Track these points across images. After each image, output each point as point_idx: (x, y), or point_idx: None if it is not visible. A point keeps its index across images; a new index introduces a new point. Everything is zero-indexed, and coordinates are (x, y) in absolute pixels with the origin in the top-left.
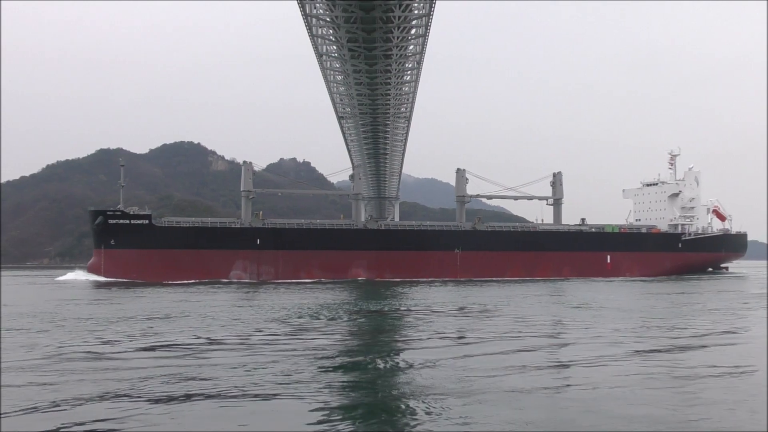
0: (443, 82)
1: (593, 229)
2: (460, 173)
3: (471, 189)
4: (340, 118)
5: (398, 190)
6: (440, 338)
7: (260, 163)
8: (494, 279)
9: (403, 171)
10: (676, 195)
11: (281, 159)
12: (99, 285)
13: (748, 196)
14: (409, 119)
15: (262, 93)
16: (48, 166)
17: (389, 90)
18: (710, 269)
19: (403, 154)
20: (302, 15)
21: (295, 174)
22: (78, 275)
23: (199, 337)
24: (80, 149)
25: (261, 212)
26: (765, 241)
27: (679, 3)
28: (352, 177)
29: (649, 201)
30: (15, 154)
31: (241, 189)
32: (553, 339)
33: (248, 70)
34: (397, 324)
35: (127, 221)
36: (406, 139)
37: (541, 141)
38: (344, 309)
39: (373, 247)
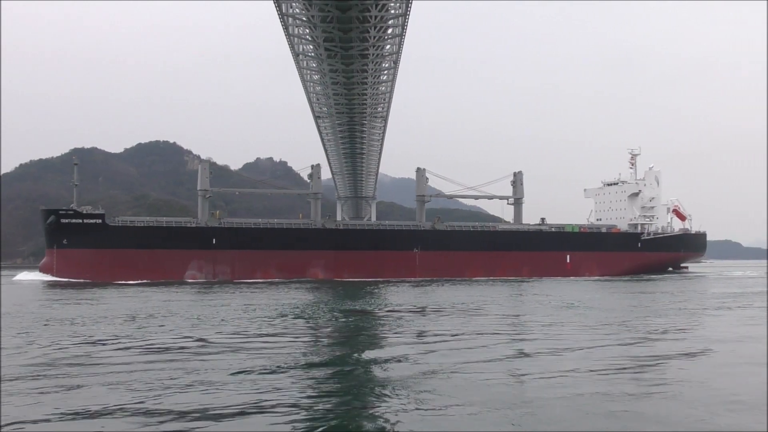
0: (417, 82)
1: (553, 229)
2: (420, 172)
3: (445, 188)
4: (316, 118)
5: (375, 189)
6: (437, 341)
7: (237, 163)
8: (454, 279)
9: (380, 171)
10: (636, 194)
11: (258, 158)
12: (49, 285)
13: (712, 196)
14: (385, 119)
15: (239, 92)
16: (21, 165)
17: (366, 90)
18: (670, 269)
19: (380, 154)
20: (278, 14)
21: (272, 173)
22: (30, 275)
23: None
24: (54, 148)
25: (218, 211)
26: (717, 240)
27: (645, 3)
28: (311, 176)
29: (609, 201)
30: None
31: (198, 188)
32: (556, 341)
33: (224, 69)
34: (384, 325)
35: (80, 221)
36: (382, 139)
37: (508, 141)
38: (312, 310)
39: (331, 247)
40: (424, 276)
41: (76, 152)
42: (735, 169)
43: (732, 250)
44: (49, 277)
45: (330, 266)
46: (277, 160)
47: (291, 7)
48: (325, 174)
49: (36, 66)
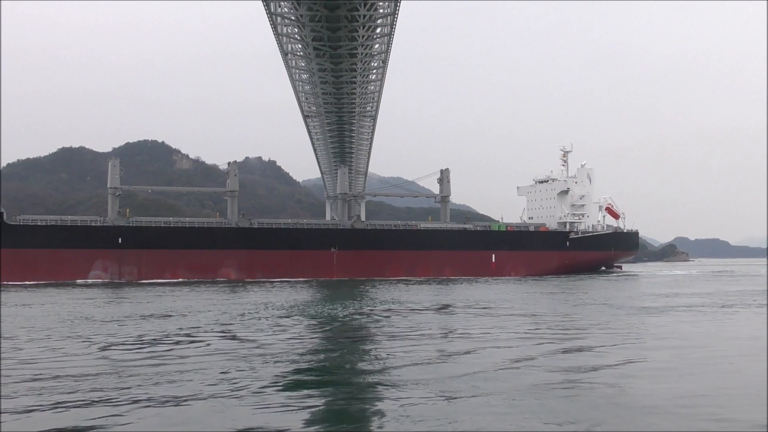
0: (408, 81)
1: (478, 228)
2: (342, 170)
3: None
4: (305, 117)
5: (364, 189)
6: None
7: (226, 162)
8: (374, 279)
9: (369, 170)
10: (565, 192)
11: (246, 157)
12: None
13: (701, 195)
14: (374, 118)
15: (228, 91)
16: (8, 164)
17: (355, 89)
18: (603, 268)
19: (369, 153)
20: (267, 14)
21: (261, 173)
22: None
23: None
24: (41, 148)
25: (128, 209)
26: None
27: (636, 3)
28: (227, 173)
29: (540, 198)
30: None
31: (108, 186)
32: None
33: (212, 68)
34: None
35: None
36: (371, 138)
37: (500, 139)
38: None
39: (244, 246)
40: (341, 276)
41: (64, 151)
42: (726, 168)
43: (720, 249)
44: None
45: (242, 266)
46: (266, 160)
47: (279, 6)
48: (315, 173)
49: (23, 65)
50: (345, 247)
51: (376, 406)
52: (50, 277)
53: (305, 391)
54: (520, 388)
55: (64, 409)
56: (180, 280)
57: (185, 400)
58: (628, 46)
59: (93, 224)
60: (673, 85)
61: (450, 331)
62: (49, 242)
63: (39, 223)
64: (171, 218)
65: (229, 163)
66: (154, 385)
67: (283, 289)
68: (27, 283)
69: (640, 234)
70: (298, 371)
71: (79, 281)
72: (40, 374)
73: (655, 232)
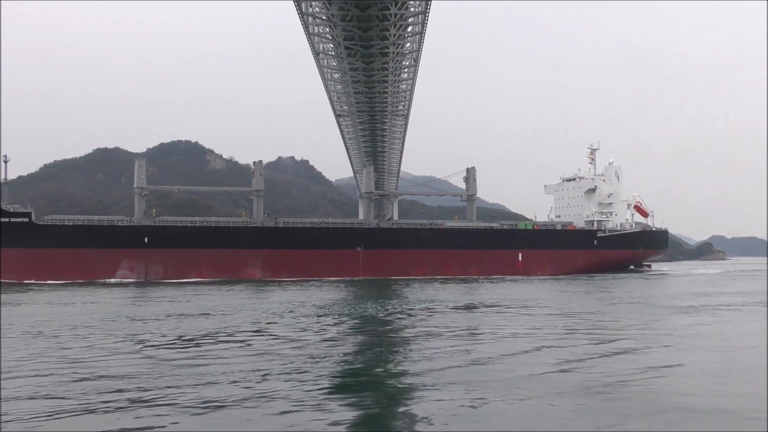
0: (440, 79)
1: (505, 226)
2: (368, 170)
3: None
4: (338, 117)
5: (397, 187)
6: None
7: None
8: (400, 278)
9: (402, 169)
10: (592, 190)
11: (279, 157)
12: None
13: (737, 193)
14: (407, 117)
15: (261, 91)
16: (45, 165)
17: (386, 88)
18: (632, 267)
19: (401, 152)
20: (298, 14)
21: (294, 172)
22: None
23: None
24: (77, 149)
25: (154, 210)
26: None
27: (661, 3)
28: (253, 173)
29: (567, 197)
30: (12, 154)
31: (134, 186)
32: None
33: (246, 68)
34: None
35: (7, 219)
36: (404, 137)
37: (528, 137)
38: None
39: (269, 246)
40: (367, 275)
41: (100, 152)
42: (762, 166)
43: (758, 247)
44: None
45: (267, 265)
46: (299, 159)
47: (311, 7)
48: (347, 172)
49: (59, 67)
50: (370, 246)
51: (418, 406)
52: (77, 276)
53: (350, 392)
54: (563, 390)
55: (113, 410)
56: (206, 279)
57: (227, 400)
58: (653, 44)
59: (119, 224)
60: (698, 83)
61: (492, 331)
62: (76, 242)
63: (66, 223)
64: (197, 218)
65: (254, 163)
66: (199, 385)
67: (316, 287)
68: (56, 282)
69: (676, 232)
70: (342, 372)
71: (106, 281)
72: (90, 374)
73: (690, 231)
